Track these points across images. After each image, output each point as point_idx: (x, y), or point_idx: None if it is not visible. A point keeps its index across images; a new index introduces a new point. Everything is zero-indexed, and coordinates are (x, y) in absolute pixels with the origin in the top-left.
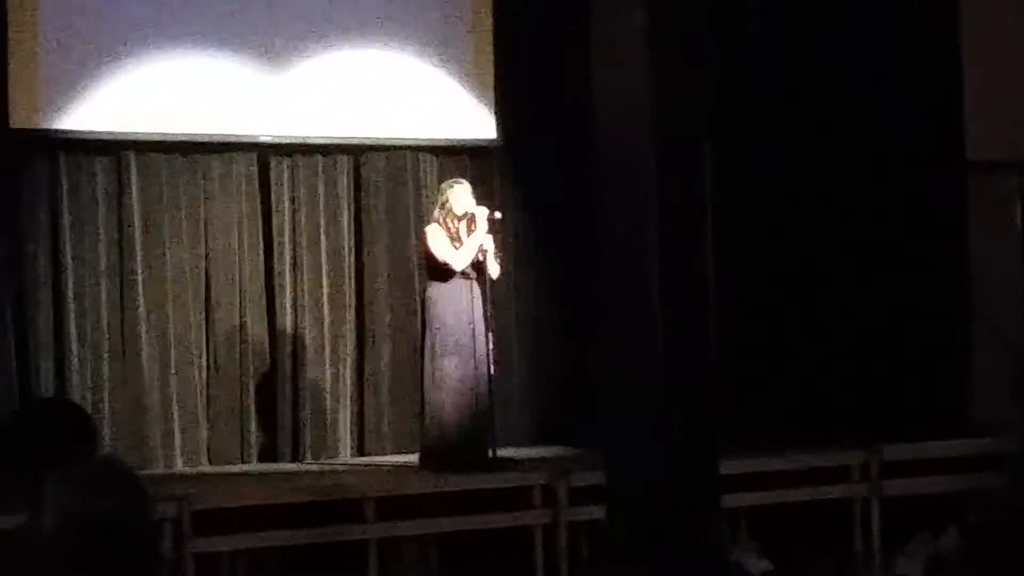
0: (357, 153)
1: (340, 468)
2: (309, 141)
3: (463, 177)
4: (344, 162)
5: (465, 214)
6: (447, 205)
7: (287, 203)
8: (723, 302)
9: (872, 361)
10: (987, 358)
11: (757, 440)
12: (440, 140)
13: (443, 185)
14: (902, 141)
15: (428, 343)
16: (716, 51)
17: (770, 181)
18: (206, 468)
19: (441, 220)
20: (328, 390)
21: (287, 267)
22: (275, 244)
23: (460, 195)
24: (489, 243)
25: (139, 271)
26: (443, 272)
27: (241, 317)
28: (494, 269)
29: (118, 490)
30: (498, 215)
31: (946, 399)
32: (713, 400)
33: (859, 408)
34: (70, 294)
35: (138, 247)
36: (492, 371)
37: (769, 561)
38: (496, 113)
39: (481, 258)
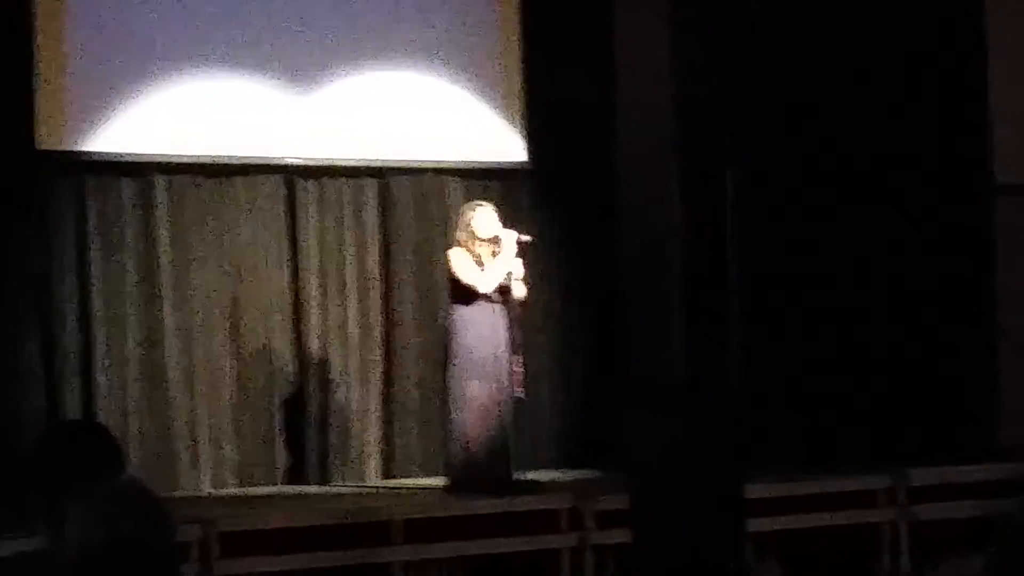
0: (384, 175)
1: (367, 490)
2: (336, 163)
3: (491, 200)
4: (371, 184)
5: (489, 237)
6: (470, 228)
7: (314, 225)
8: (748, 326)
9: (900, 385)
10: (1015, 382)
11: (783, 464)
12: (468, 162)
13: (464, 207)
14: (931, 165)
15: (452, 366)
16: (740, 75)
17: (795, 205)
18: (233, 490)
19: (464, 243)
20: (355, 412)
21: (314, 289)
22: (301, 266)
23: (483, 218)
24: (517, 267)
25: (166, 293)
26: (467, 295)
27: (268, 339)
28: (519, 290)
29: (139, 513)
30: (527, 238)
31: (974, 423)
32: (738, 424)
33: (886, 432)
34: (97, 316)
35: (165, 269)
36: (518, 394)
37: None
38: (525, 135)
39: (507, 281)
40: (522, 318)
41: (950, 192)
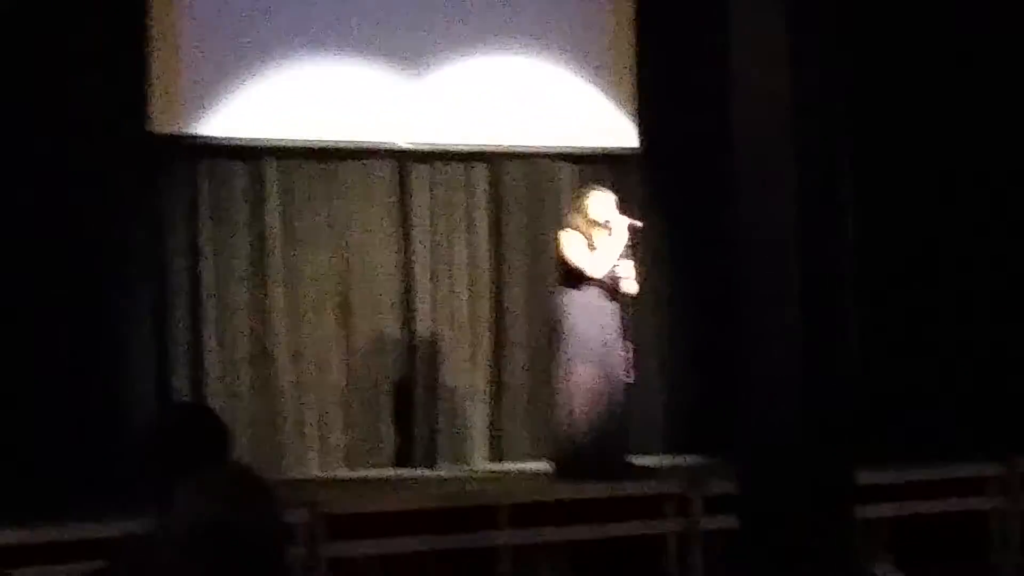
0: (495, 160)
1: (474, 475)
2: (448, 148)
3: (603, 185)
4: (482, 169)
5: (603, 222)
6: (584, 210)
7: (425, 210)
8: (863, 312)
9: (1013, 372)
10: None
11: (895, 451)
12: (579, 148)
13: (583, 190)
14: None
15: (562, 350)
16: (858, 53)
17: (910, 188)
18: (341, 473)
19: (578, 225)
20: (464, 397)
21: (424, 273)
22: (413, 250)
23: (600, 202)
24: (628, 266)
25: (276, 276)
26: (577, 278)
27: (377, 322)
28: (632, 287)
29: (247, 495)
30: (638, 224)
31: None
32: (850, 410)
33: (999, 419)
34: (208, 299)
35: (276, 253)
36: (628, 379)
37: (904, 574)
38: (637, 121)
39: (618, 274)
40: (631, 303)
41: None
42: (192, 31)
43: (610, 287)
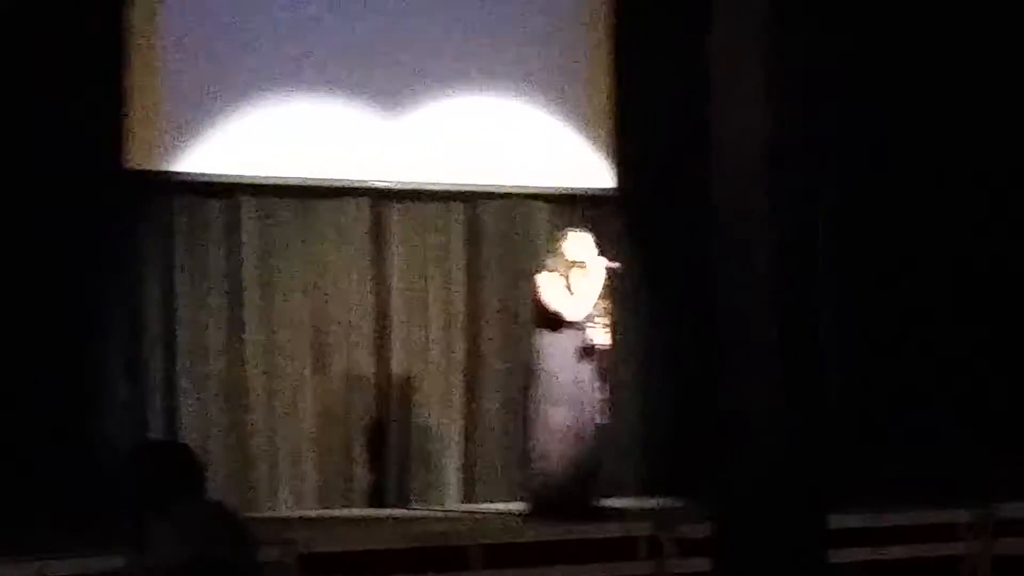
0: (471, 200)
1: (447, 515)
2: (423, 187)
3: (579, 225)
4: (458, 209)
5: (580, 263)
6: (560, 252)
7: (399, 249)
8: (836, 357)
9: (987, 417)
10: None
11: (868, 496)
12: (555, 189)
13: (561, 232)
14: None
15: (535, 391)
16: (838, 95)
17: (886, 230)
18: (313, 512)
19: (555, 267)
20: (436, 436)
21: (398, 312)
22: (387, 289)
23: (574, 244)
24: (602, 326)
25: (250, 314)
26: (553, 321)
27: (350, 361)
28: (603, 339)
29: (222, 532)
30: (616, 265)
31: None
32: (823, 454)
33: (972, 464)
34: (182, 335)
35: (250, 290)
36: (600, 421)
37: None
38: (613, 162)
39: (597, 318)
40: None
41: None
42: (170, 67)
43: (586, 330)
